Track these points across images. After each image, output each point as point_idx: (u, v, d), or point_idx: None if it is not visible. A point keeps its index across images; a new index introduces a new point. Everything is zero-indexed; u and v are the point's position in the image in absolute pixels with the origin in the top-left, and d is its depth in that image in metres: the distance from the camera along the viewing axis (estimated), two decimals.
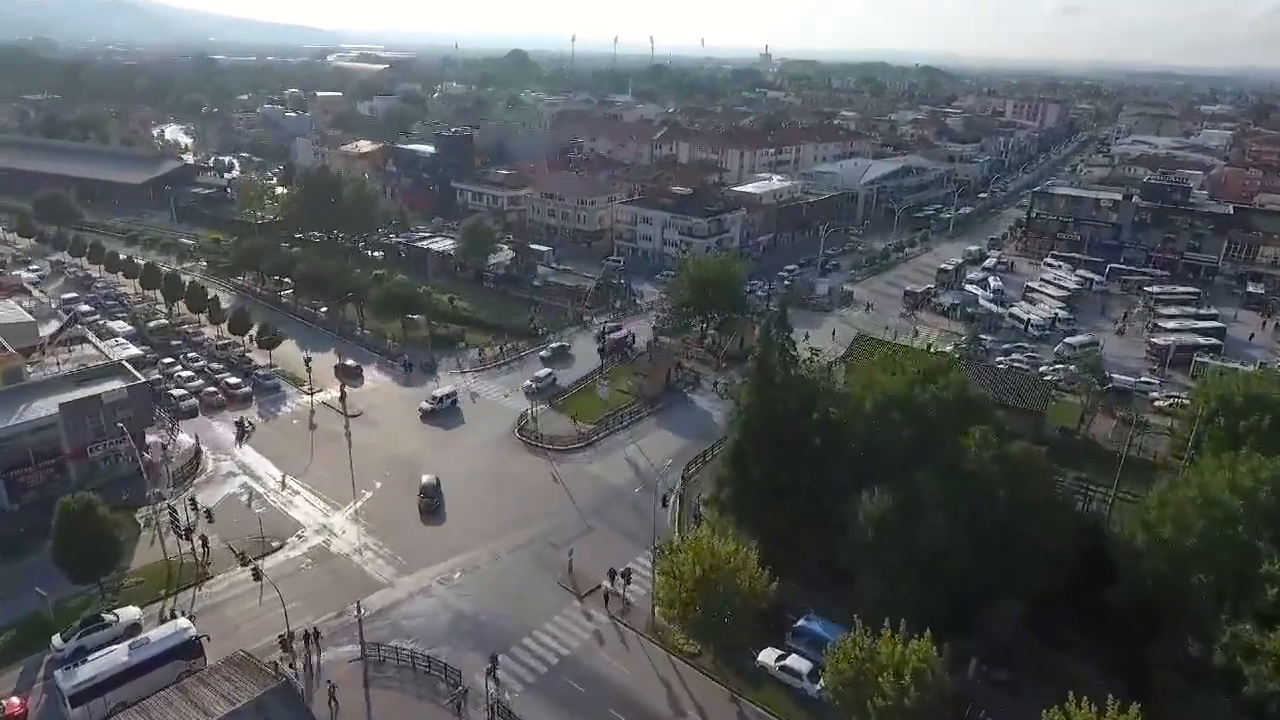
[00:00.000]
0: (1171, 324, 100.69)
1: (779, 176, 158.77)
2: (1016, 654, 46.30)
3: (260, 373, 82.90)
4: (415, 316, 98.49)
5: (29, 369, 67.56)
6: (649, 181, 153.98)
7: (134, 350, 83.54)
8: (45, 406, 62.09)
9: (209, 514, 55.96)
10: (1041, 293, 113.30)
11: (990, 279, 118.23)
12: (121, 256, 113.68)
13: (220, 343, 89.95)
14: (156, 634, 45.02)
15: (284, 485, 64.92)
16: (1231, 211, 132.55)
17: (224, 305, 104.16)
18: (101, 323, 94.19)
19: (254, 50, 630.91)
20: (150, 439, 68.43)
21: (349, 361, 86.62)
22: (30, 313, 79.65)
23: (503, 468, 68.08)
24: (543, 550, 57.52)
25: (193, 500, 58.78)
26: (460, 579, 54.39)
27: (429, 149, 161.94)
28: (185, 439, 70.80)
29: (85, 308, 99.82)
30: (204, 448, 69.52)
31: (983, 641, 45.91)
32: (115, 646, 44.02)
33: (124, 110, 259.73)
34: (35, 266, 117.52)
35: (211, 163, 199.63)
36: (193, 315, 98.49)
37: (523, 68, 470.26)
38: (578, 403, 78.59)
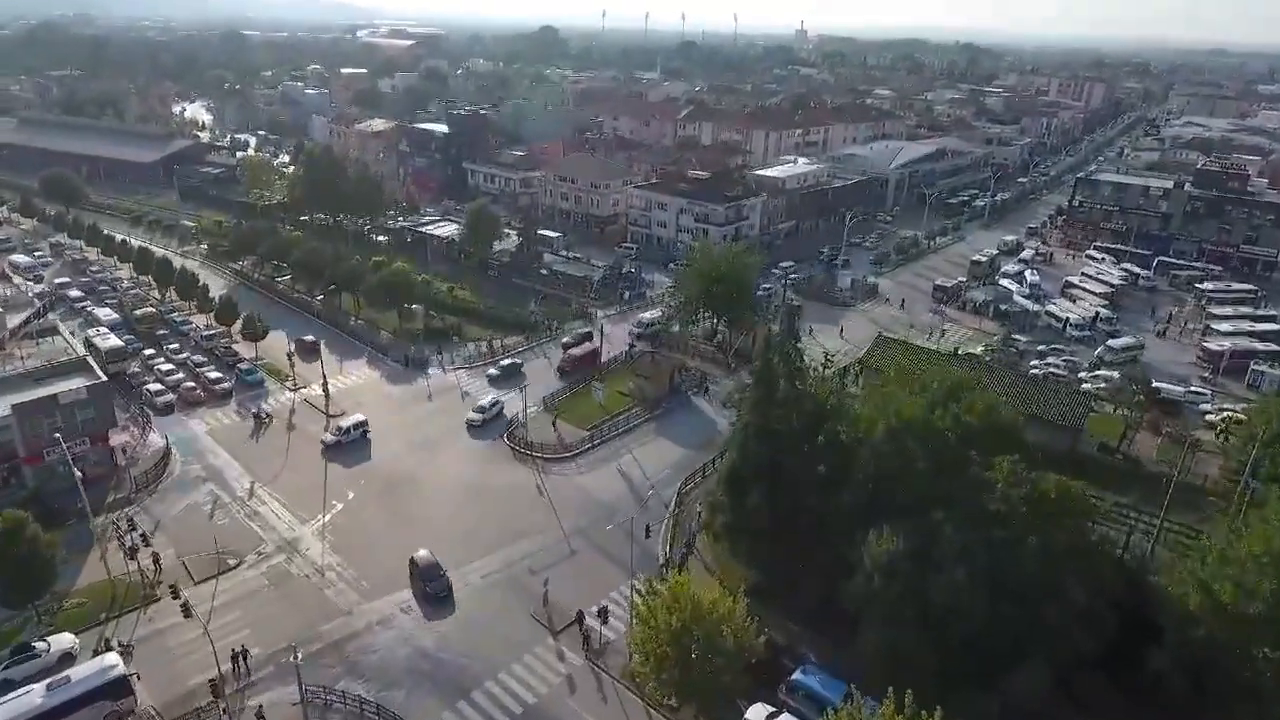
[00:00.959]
0: (1226, 326, 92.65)
1: (804, 159, 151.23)
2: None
3: (243, 367, 78.80)
4: (414, 306, 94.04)
5: None
6: (668, 164, 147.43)
7: (114, 341, 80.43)
8: None
9: (145, 537, 51.56)
10: (1082, 288, 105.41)
11: (1026, 273, 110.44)
12: (118, 239, 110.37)
13: (206, 333, 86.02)
14: (79, 672, 40.94)
15: (252, 493, 60.73)
16: None
17: (221, 291, 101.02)
18: (90, 309, 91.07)
19: (287, 26, 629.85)
20: (120, 439, 64.85)
21: (307, 337, 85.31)
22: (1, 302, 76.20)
23: (486, 478, 63.24)
24: (519, 576, 52.65)
25: (130, 520, 54.23)
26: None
27: (442, 128, 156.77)
28: (156, 439, 66.95)
29: (76, 293, 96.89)
30: (174, 449, 65.55)
31: (1006, 705, 40.19)
32: (32, 686, 40.01)
33: (144, 87, 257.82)
34: (39, 250, 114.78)
35: (228, 141, 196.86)
36: (184, 303, 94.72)
37: (551, 44, 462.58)
38: (572, 406, 73.37)
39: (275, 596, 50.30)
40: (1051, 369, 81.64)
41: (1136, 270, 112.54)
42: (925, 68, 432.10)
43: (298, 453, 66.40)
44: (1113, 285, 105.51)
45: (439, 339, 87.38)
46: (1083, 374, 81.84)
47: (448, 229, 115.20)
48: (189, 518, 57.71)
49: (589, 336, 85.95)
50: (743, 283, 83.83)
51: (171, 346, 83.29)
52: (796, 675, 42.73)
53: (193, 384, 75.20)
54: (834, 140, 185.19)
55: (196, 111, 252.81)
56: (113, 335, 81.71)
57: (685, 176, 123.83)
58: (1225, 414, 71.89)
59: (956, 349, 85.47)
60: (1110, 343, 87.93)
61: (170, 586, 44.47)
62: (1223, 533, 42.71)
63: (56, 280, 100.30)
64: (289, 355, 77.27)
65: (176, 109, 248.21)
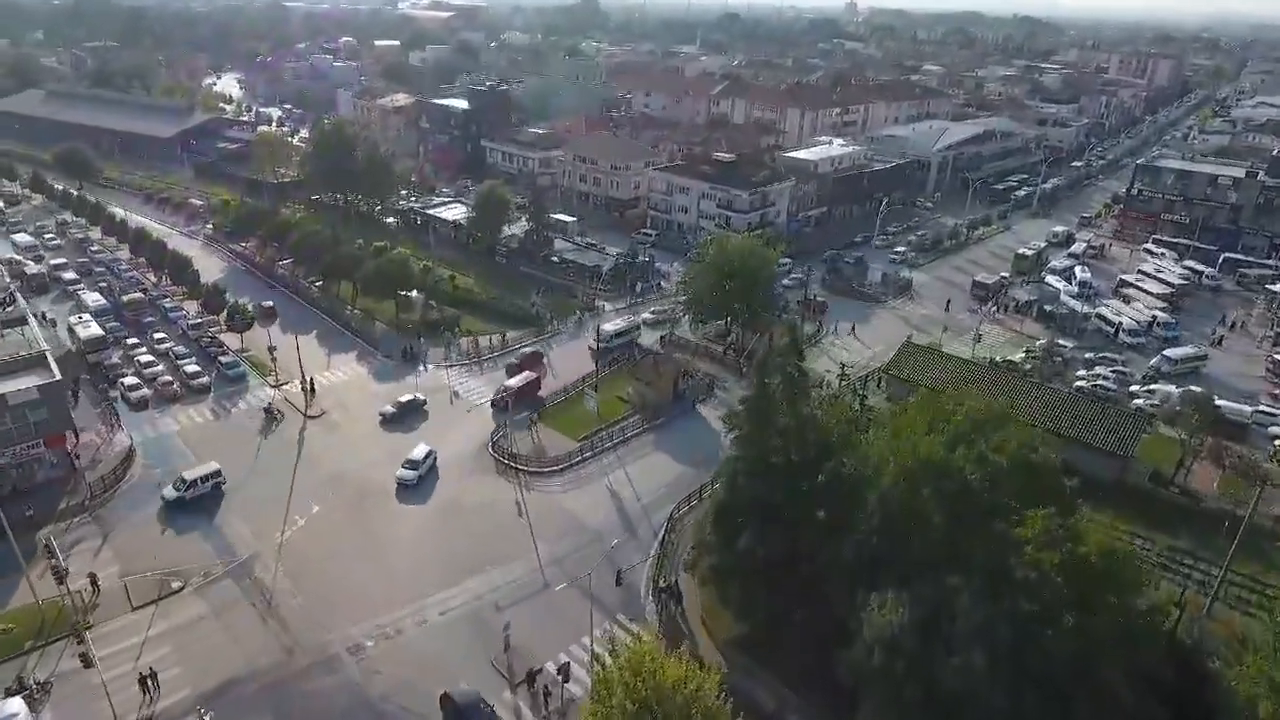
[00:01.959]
0: None
1: (841, 140, 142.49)
2: None
3: (224, 359, 74.65)
4: (415, 295, 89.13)
5: None
6: (695, 144, 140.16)
7: (94, 330, 77.11)
8: None
9: (57, 572, 46.95)
10: (1138, 288, 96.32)
11: (1076, 269, 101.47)
12: (119, 218, 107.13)
13: (193, 322, 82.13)
14: None
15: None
16: None
17: (220, 275, 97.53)
18: (82, 292, 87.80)
19: None
20: (82, 440, 61.18)
21: (265, 303, 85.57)
22: None
23: (462, 493, 58.08)
24: (483, 612, 47.47)
25: (47, 544, 49.99)
26: (375, 648, 44.83)
27: (461, 104, 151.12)
28: (123, 438, 63.07)
29: (70, 275, 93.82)
30: (138, 451, 61.59)
31: None
32: None
33: (174, 59, 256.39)
34: (47, 228, 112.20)
35: (253, 115, 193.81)
36: (176, 287, 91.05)
37: (592, 16, 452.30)
38: (564, 412, 67.75)
39: (215, 628, 45.82)
40: (1100, 382, 73.67)
41: (1200, 268, 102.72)
42: (978, 43, 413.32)
43: (268, 458, 61.93)
44: (1173, 285, 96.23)
45: (436, 331, 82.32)
46: (1135, 388, 73.75)
47: (456, 212, 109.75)
48: (142, 530, 53.65)
49: (537, 359, 75.48)
50: (760, 279, 76.95)
51: (156, 335, 79.52)
52: None
53: (170, 378, 71.23)
54: (874, 120, 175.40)
55: (228, 84, 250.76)
56: (94, 323, 78.29)
57: (708, 159, 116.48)
58: None
59: (992, 357, 77.97)
60: (1168, 352, 79.37)
61: (75, 624, 40.07)
62: None
63: (53, 261, 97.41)
64: (270, 349, 72.82)
65: (208, 81, 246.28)
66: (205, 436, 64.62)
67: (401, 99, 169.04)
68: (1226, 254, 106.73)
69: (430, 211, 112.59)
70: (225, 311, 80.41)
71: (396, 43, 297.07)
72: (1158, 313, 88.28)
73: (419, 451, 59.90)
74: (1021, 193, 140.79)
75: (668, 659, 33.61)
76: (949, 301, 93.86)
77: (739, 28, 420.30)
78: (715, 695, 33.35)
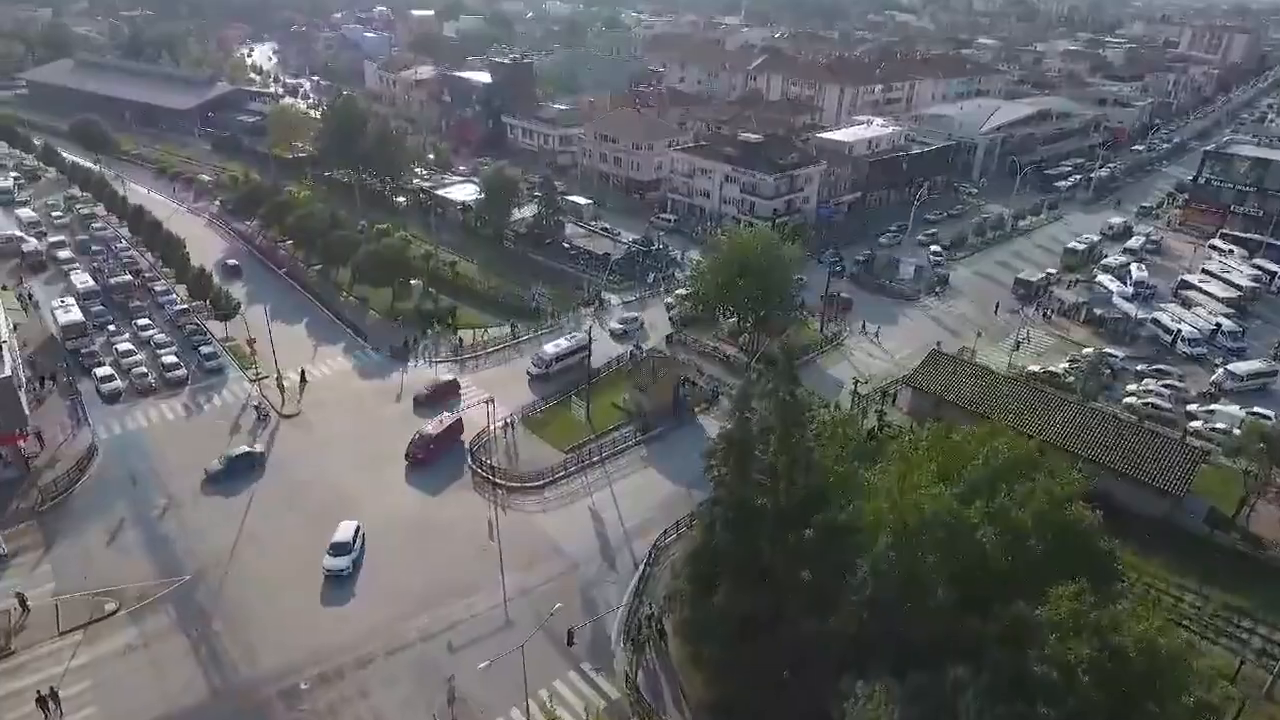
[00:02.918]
0: None
1: (881, 120, 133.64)
2: None
3: (204, 350, 70.91)
4: (414, 282, 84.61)
5: None
6: (722, 122, 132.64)
7: (74, 315, 74.10)
8: None
9: None
10: (1201, 289, 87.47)
11: (1132, 266, 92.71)
12: (121, 194, 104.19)
13: (178, 308, 78.61)
14: None
15: (163, 514, 52.64)
16: None
17: (220, 255, 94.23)
18: (73, 273, 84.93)
19: None
20: (48, 435, 58.05)
21: (230, 261, 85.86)
22: None
23: (431, 511, 53.39)
24: (435, 655, 42.85)
25: None
26: (311, 692, 40.47)
27: (483, 77, 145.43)
28: (86, 436, 59.68)
29: (65, 254, 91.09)
30: (99, 450, 58.10)
31: None
32: None
33: (209, 28, 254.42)
34: (55, 201, 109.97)
35: (280, 87, 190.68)
36: (170, 269, 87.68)
37: None
38: (553, 420, 62.49)
39: (141, 663, 41.91)
40: (1151, 399, 65.98)
41: (1273, 268, 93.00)
42: (1040, 14, 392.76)
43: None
44: (1241, 287, 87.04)
45: (430, 323, 77.56)
46: (1193, 407, 65.95)
47: (466, 193, 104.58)
48: (87, 541, 50.05)
49: (452, 390, 65.46)
50: (777, 275, 70.42)
51: (140, 322, 76.13)
52: None
53: (145, 370, 67.68)
54: (921, 97, 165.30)
55: (263, 55, 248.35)
56: (75, 307, 75.22)
57: (733, 140, 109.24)
58: None
59: (1030, 367, 70.67)
60: (1232, 366, 71.17)
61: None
62: None
63: (51, 239, 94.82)
64: (249, 342, 68.80)
65: (242, 51, 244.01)
66: (174, 435, 60.90)
67: (425, 72, 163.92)
68: None
69: (440, 192, 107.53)
70: (210, 296, 76.34)
71: (430, 13, 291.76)
72: (1222, 319, 79.63)
73: (344, 532, 48.65)
74: (1074, 180, 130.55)
75: None
76: (997, 305, 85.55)
77: None
78: None
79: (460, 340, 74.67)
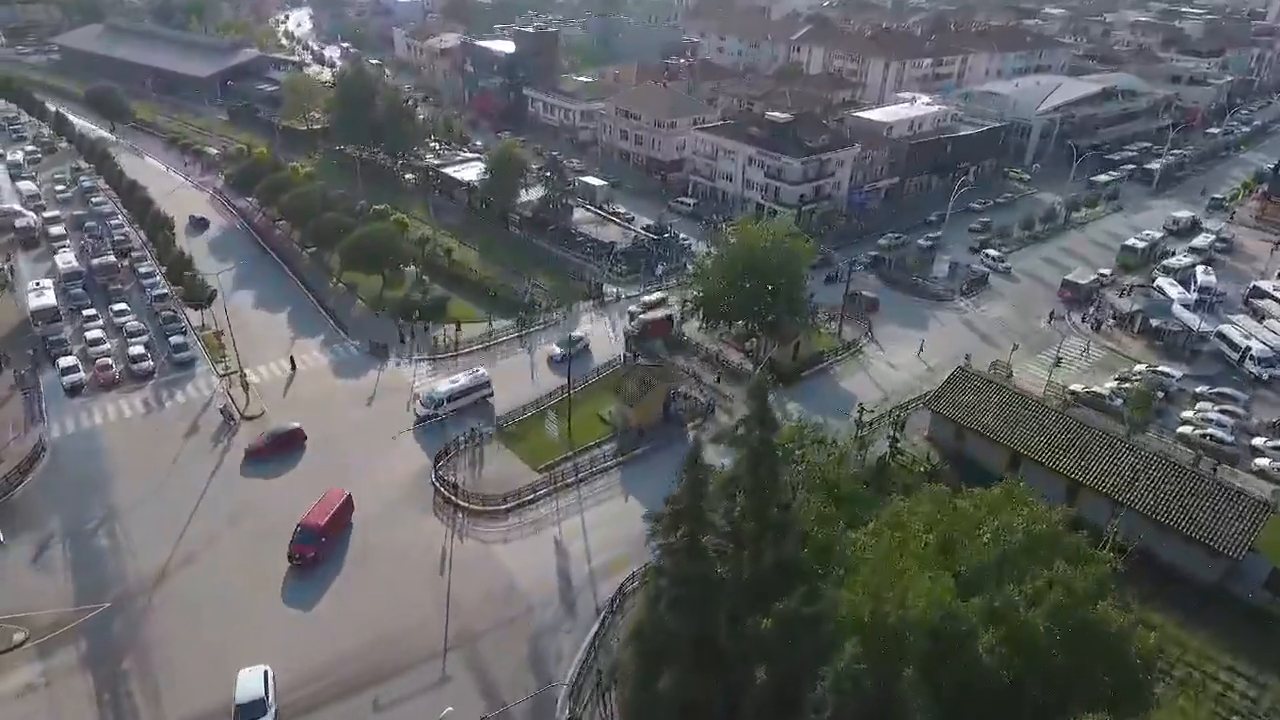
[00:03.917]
0: None
1: (927, 97, 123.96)
2: None
3: (174, 341, 67.07)
4: (409, 269, 79.83)
5: None
6: (755, 98, 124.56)
7: (47, 300, 71.05)
8: None
9: None
10: (1276, 299, 77.84)
11: (1198, 269, 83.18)
12: (118, 168, 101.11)
13: (158, 292, 74.98)
14: None
15: (98, 529, 48.81)
16: None
17: (216, 234, 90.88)
18: (59, 252, 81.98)
19: None
20: None
21: (196, 214, 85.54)
22: None
23: (383, 535, 48.60)
24: (360, 714, 38.10)
25: None
26: None
27: (506, 47, 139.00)
28: (35, 434, 56.26)
29: (57, 230, 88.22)
30: (45, 452, 54.57)
31: None
32: None
33: None
34: (59, 174, 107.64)
35: (308, 54, 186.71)
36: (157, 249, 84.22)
37: None
38: (531, 431, 56.97)
39: (39, 706, 38.03)
40: (1211, 430, 57.86)
41: None
42: None
43: (184, 467, 53.82)
44: None
45: (421, 315, 72.61)
46: (1259, 441, 57.73)
47: (474, 172, 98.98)
48: (11, 556, 46.44)
49: (292, 440, 54.89)
50: (788, 275, 63.53)
51: (116, 307, 72.67)
52: None
53: (110, 360, 64.07)
54: (974, 72, 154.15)
55: (300, 20, 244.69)
56: (50, 291, 72.07)
57: (759, 119, 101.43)
58: None
59: (1072, 387, 62.95)
60: None
61: None
62: None
63: (47, 213, 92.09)
64: (216, 335, 64.70)
65: (279, 16, 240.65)
66: (131, 435, 57.13)
67: (449, 40, 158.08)
68: None
69: (447, 170, 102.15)
70: (183, 282, 72.38)
71: None
72: None
73: (249, 686, 36.97)
74: (1136, 167, 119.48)
75: None
76: (1052, 313, 76.77)
77: None
78: None
79: (450, 334, 69.38)
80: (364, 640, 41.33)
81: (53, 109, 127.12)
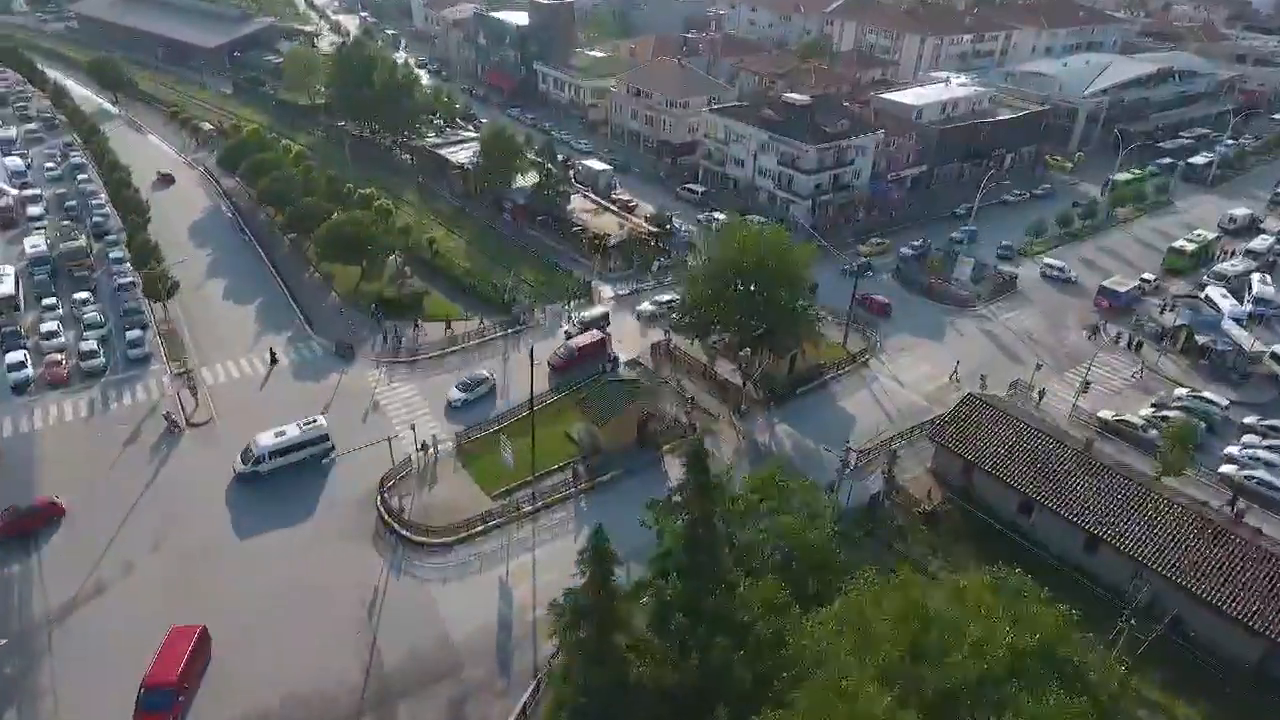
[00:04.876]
0: None
1: (964, 77, 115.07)
2: None
3: (130, 336, 63.21)
4: (392, 259, 75.20)
5: None
6: (779, 76, 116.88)
7: (6, 287, 67.38)
8: None
9: None
10: None
11: (1254, 277, 74.96)
12: (107, 142, 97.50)
13: (121, 282, 71.23)
14: None
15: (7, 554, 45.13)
16: None
17: (200, 216, 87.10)
18: (29, 234, 78.79)
19: None
20: None
21: (163, 170, 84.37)
22: None
23: (311, 567, 44.03)
24: None
25: None
26: None
27: (521, 19, 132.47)
28: None
29: (37, 210, 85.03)
30: None
31: None
32: None
33: None
34: (49, 150, 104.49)
35: (325, 24, 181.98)
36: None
37: None
38: (489, 454, 51.86)
39: None
40: (1259, 475, 50.81)
41: None
42: None
43: (115, 482, 49.83)
44: None
45: (397, 312, 67.95)
46: None
47: (467, 153, 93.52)
48: None
49: (44, 516, 45.78)
50: (784, 281, 56.94)
51: (79, 296, 69.09)
52: None
53: (60, 357, 60.46)
54: (1019, 50, 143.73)
55: None
56: (10, 278, 68.73)
57: (775, 101, 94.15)
58: None
59: (1102, 415, 56.21)
60: None
61: None
62: None
63: (26, 192, 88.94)
64: (159, 333, 60.60)
65: None
66: (65, 441, 53.47)
67: (465, 9, 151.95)
68: None
69: (442, 151, 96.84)
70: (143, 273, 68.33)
71: None
72: None
73: None
74: (1211, 149, 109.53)
75: None
76: (1095, 328, 68.78)
77: None
78: None
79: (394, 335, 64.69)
80: (271, 707, 36.96)
81: (52, 80, 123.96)
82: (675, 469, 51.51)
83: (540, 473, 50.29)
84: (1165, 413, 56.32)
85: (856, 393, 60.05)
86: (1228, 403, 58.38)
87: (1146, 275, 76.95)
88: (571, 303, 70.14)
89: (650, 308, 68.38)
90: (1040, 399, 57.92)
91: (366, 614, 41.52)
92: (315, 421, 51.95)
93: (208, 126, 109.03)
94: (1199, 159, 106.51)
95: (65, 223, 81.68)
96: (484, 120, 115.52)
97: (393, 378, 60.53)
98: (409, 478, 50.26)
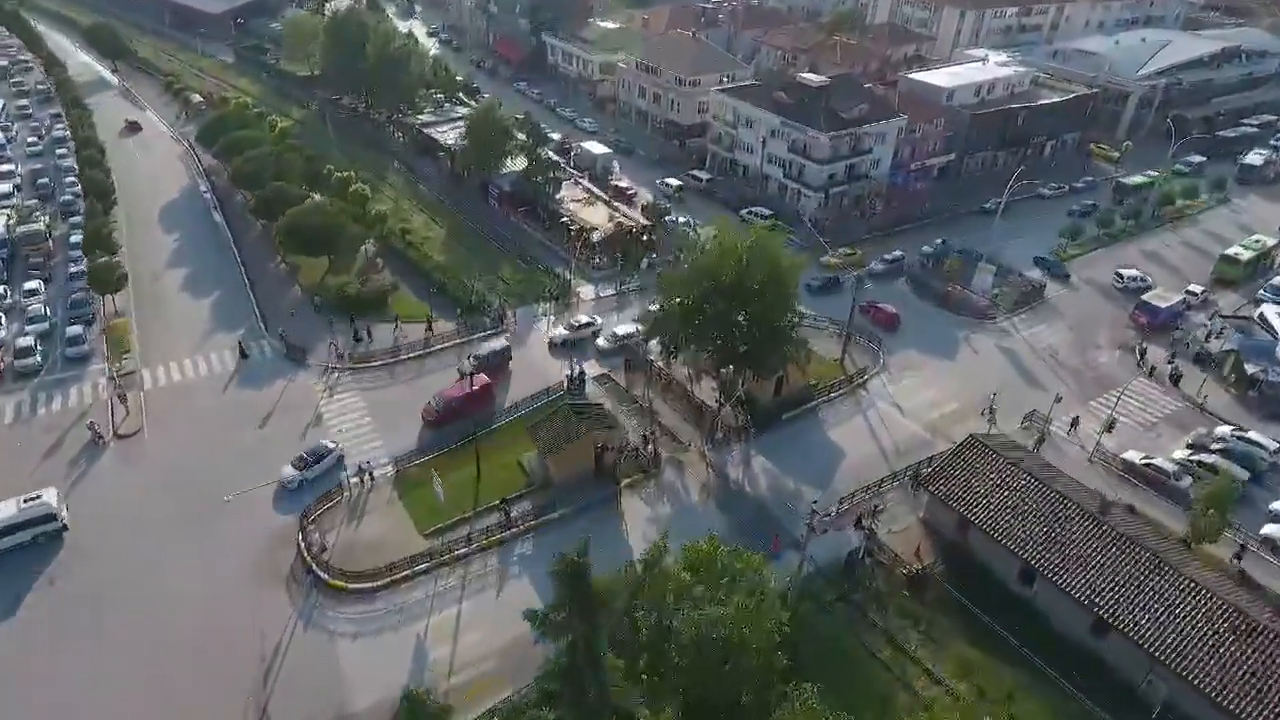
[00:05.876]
0: None
1: (1004, 55, 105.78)
2: None
3: (71, 331, 59.18)
4: (365, 248, 70.48)
5: None
6: (803, 51, 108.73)
7: None
8: None
9: None
10: None
11: None
12: (90, 114, 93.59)
13: (73, 270, 67.21)
14: None
15: None
16: None
17: (175, 195, 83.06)
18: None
19: None
20: None
21: (130, 118, 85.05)
22: None
23: (212, 614, 39.31)
24: None
25: None
26: None
27: None
28: None
29: (5, 187, 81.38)
30: None
31: None
32: None
33: None
34: (35, 123, 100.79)
35: None
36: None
37: None
38: (428, 480, 46.65)
39: None
40: None
41: None
42: None
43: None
44: None
45: (358, 309, 63.00)
46: None
47: (456, 133, 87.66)
48: None
49: None
50: (770, 296, 50.40)
51: (29, 285, 65.23)
52: None
53: None
54: (1071, 24, 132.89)
55: None
56: None
57: (790, 81, 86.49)
58: None
59: (1122, 458, 49.37)
60: None
61: None
62: None
63: (2, 169, 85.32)
64: (102, 331, 56.44)
65: None
66: None
67: None
68: None
69: (430, 131, 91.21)
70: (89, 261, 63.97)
71: None
72: None
73: None
74: (1272, 155, 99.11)
75: None
76: (1142, 351, 60.68)
77: None
78: None
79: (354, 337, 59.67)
80: None
81: (47, 48, 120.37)
82: (636, 506, 46.52)
83: (482, 508, 45.20)
84: (1202, 456, 49.30)
85: (850, 420, 53.72)
86: (1278, 445, 50.97)
87: (1193, 287, 68.80)
88: (547, 304, 64.59)
89: (291, 474, 46.72)
90: (1040, 443, 50.72)
91: (262, 677, 36.94)
92: (40, 498, 42.87)
93: (197, 98, 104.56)
94: (1254, 158, 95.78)
95: (30, 202, 77.76)
96: (487, 95, 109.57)
97: (336, 389, 55.58)
98: (338, 508, 45.51)
